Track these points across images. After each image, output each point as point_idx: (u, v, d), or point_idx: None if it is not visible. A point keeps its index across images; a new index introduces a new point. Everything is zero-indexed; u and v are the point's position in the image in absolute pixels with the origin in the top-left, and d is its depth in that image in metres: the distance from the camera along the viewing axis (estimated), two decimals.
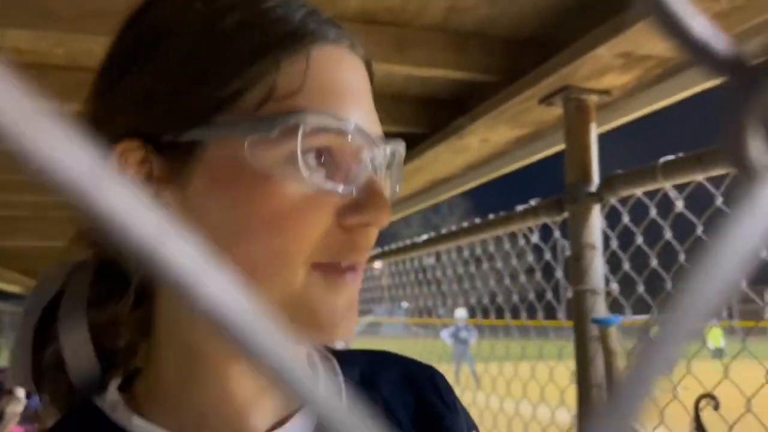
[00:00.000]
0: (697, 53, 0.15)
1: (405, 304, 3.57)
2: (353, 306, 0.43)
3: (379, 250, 2.80)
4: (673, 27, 0.15)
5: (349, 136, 0.41)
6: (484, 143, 1.81)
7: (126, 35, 0.45)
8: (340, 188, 0.41)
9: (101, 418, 0.44)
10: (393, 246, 2.65)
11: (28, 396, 4.02)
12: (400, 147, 0.49)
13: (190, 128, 0.40)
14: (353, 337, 0.47)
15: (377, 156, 0.44)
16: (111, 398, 0.45)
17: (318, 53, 0.42)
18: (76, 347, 0.46)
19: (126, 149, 0.41)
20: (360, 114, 0.43)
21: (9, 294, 8.12)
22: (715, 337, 14.23)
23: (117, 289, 0.46)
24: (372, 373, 0.54)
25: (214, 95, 0.40)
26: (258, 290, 0.40)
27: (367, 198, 0.42)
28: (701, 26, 0.15)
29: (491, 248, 2.08)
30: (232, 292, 0.10)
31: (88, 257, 0.49)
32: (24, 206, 3.02)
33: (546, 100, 1.45)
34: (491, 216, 1.83)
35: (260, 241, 0.40)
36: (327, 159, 0.41)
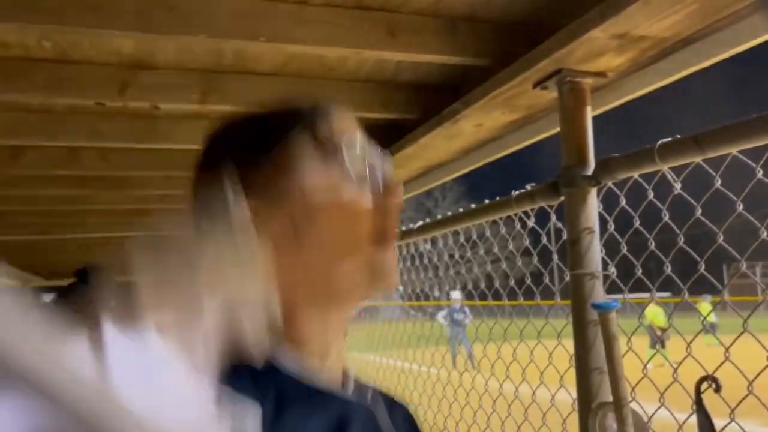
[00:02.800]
0: None
1: (401, 288, 3.57)
2: (396, 261, 0.64)
3: None
4: None
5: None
6: (478, 128, 1.80)
7: None
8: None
9: None
10: None
11: None
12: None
13: None
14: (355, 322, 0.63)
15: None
16: None
17: None
18: None
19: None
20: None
21: None
22: (706, 312, 14.35)
23: None
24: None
25: None
26: (345, 264, 0.60)
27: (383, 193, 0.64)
28: None
29: (487, 232, 2.08)
30: None
31: None
32: (18, 201, 2.99)
33: (540, 83, 1.44)
34: (487, 201, 1.82)
35: (335, 233, 0.59)
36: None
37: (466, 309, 12.00)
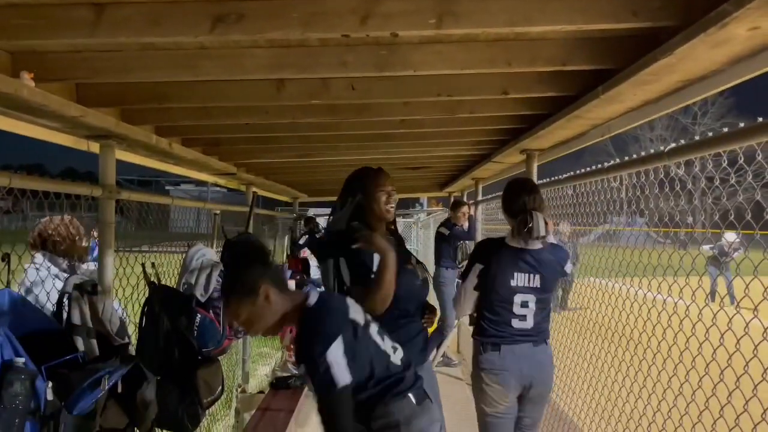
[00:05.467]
0: None
1: (645, 214, 3.29)
2: None
3: (616, 161, 2.59)
4: None
5: None
6: (754, 32, 1.51)
7: None
8: None
9: None
10: (636, 156, 2.42)
11: None
12: None
13: None
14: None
15: None
16: None
17: None
18: None
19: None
20: None
21: (280, 202, 9.38)
22: None
23: None
24: None
25: None
26: None
27: None
28: None
29: (759, 156, 1.78)
30: None
31: None
32: (283, 128, 3.40)
33: None
34: (760, 119, 1.55)
35: None
36: None
37: (737, 244, 10.70)
